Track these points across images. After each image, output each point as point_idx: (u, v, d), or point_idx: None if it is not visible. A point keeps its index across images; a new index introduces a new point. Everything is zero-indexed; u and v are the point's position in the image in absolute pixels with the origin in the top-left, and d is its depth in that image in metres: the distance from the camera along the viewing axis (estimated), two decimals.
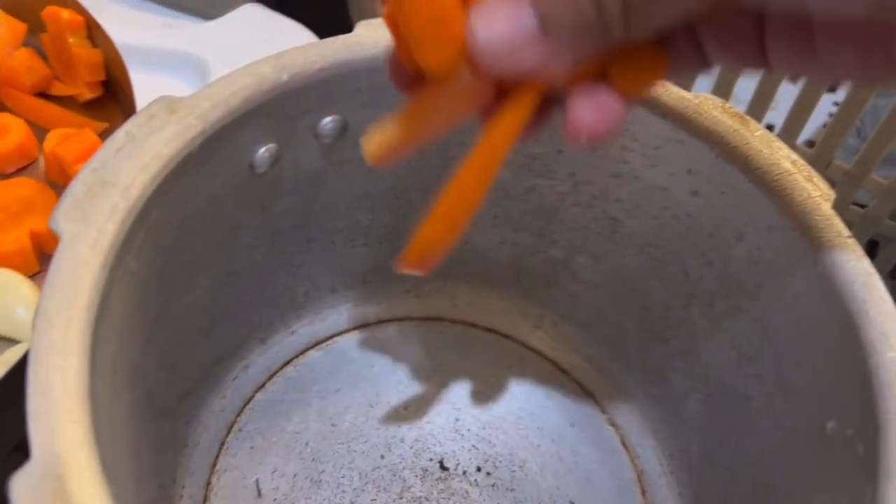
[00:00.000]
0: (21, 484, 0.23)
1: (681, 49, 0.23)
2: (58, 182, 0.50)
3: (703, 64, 0.24)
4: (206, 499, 0.43)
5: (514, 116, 0.23)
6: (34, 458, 0.23)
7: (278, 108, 0.35)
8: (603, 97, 0.22)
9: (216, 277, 0.39)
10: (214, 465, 0.44)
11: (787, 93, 0.58)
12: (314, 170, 0.39)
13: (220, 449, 0.44)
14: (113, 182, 0.29)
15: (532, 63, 0.19)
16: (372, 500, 0.44)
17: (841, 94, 0.71)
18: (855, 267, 0.32)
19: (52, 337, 0.26)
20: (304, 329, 0.49)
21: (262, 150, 0.36)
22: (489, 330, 0.51)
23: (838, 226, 0.33)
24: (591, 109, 0.21)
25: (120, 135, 0.31)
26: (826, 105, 0.72)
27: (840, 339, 0.32)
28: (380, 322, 0.51)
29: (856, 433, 0.30)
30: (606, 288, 0.46)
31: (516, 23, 0.19)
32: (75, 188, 0.29)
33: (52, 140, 0.50)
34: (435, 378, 0.49)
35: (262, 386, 0.47)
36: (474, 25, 0.19)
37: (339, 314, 0.50)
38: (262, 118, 0.34)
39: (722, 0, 0.18)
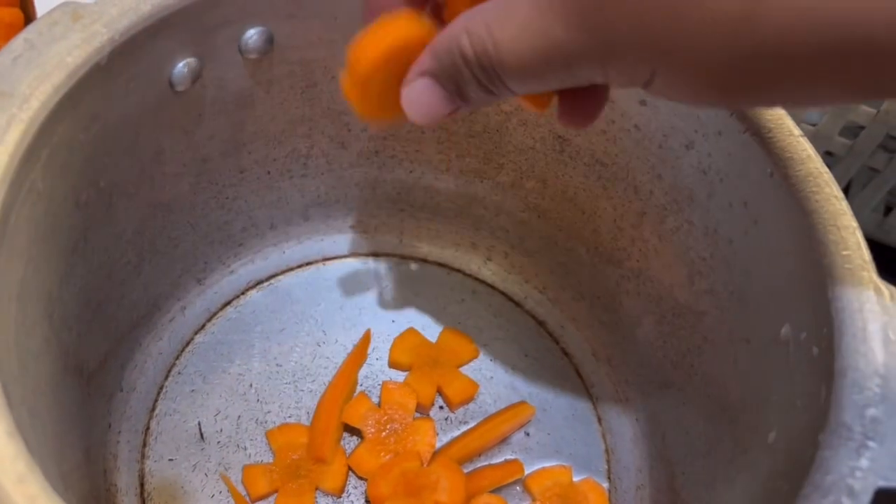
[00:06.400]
0: None
1: None
2: None
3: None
4: (145, 444, 0.41)
5: None
6: None
7: (195, 18, 0.32)
8: None
9: (140, 209, 0.37)
10: (153, 409, 0.42)
11: None
12: (241, 89, 0.37)
13: (159, 393, 0.42)
14: (10, 93, 0.27)
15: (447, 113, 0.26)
16: None
17: None
18: (806, 166, 0.31)
19: None
20: (244, 268, 0.47)
21: (181, 64, 0.33)
22: (439, 264, 0.50)
23: (788, 125, 0.32)
24: None
25: (18, 42, 0.28)
26: None
27: (793, 241, 0.31)
28: (325, 260, 0.49)
29: (810, 335, 0.29)
30: (556, 212, 0.45)
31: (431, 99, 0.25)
32: None
33: None
34: (384, 315, 0.47)
35: (202, 328, 0.45)
36: (405, 107, 0.26)
37: (279, 252, 0.48)
38: (177, 28, 0.32)
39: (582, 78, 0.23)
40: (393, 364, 0.45)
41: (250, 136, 0.39)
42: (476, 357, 0.46)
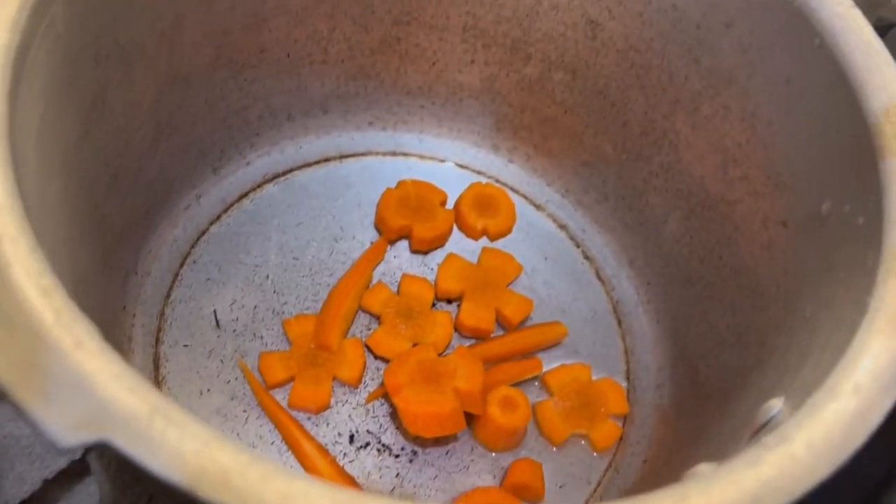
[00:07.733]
0: None
1: None
2: None
3: None
4: (160, 329, 0.40)
5: None
6: None
7: None
8: None
9: (159, 77, 0.35)
10: (168, 295, 0.41)
11: None
12: None
13: (174, 280, 0.41)
14: None
15: None
16: None
17: None
18: (856, 36, 0.30)
19: None
20: (260, 160, 0.46)
21: None
22: (460, 166, 0.49)
23: None
24: None
25: None
26: None
27: (837, 114, 0.30)
28: (342, 157, 0.48)
29: (855, 206, 0.28)
30: (584, 107, 0.43)
31: None
32: None
33: None
34: None
35: (218, 218, 0.44)
36: None
37: (297, 146, 0.46)
38: None
39: None
40: (442, 293, 0.43)
41: (272, 9, 0.38)
42: (521, 272, 0.45)
